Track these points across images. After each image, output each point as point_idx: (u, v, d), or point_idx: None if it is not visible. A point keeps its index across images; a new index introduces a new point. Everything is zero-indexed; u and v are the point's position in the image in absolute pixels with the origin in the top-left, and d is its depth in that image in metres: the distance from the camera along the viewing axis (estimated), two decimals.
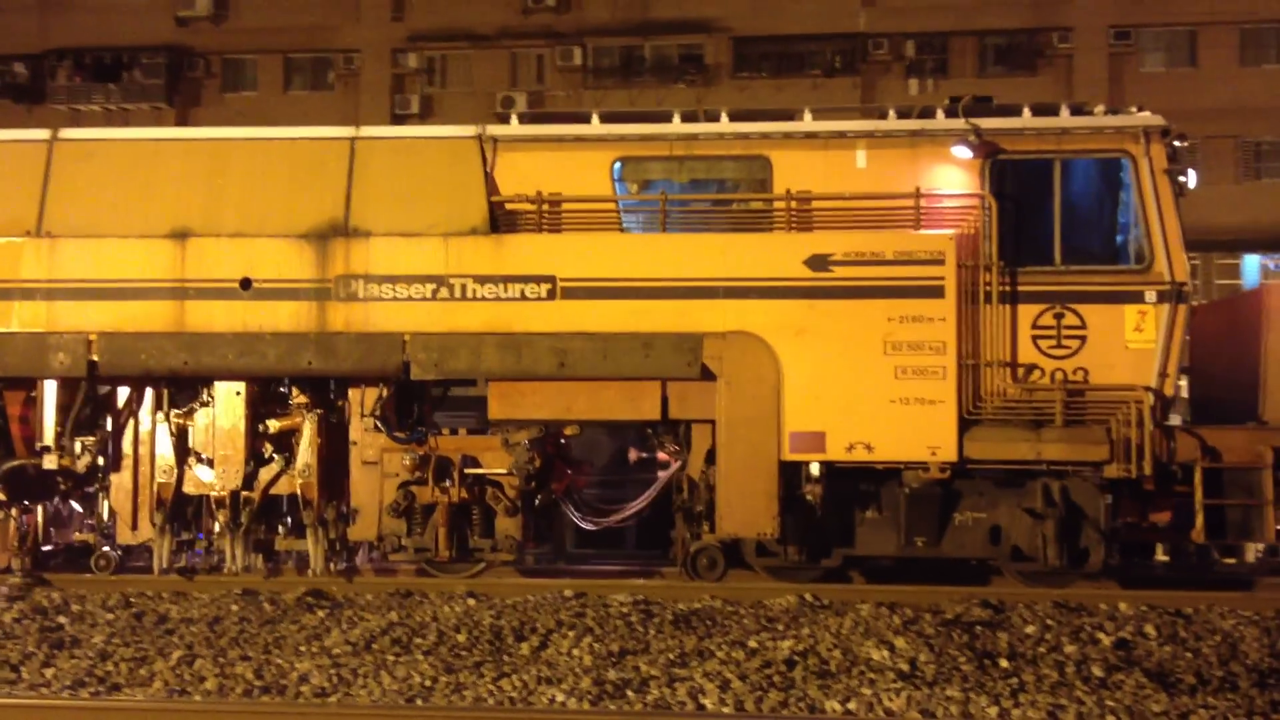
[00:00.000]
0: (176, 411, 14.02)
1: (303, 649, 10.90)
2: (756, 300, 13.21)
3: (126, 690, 9.75)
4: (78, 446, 13.87)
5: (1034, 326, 13.31)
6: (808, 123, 13.82)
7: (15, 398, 14.10)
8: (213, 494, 13.92)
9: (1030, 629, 11.30)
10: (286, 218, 13.73)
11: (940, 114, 13.84)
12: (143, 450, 14.08)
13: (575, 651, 10.63)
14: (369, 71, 40.34)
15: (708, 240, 13.46)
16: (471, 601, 12.55)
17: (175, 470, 13.92)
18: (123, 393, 14.17)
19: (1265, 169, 37.87)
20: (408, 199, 13.73)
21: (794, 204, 13.52)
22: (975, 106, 13.89)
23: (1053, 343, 13.29)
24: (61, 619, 12.06)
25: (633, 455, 14.86)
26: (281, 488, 14.04)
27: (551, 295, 13.39)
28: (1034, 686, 9.64)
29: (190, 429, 14.05)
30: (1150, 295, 13.21)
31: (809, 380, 13.14)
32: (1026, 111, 13.77)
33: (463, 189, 13.74)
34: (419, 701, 9.37)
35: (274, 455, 14.00)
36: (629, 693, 9.49)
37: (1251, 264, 37.54)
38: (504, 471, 13.75)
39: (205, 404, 14.00)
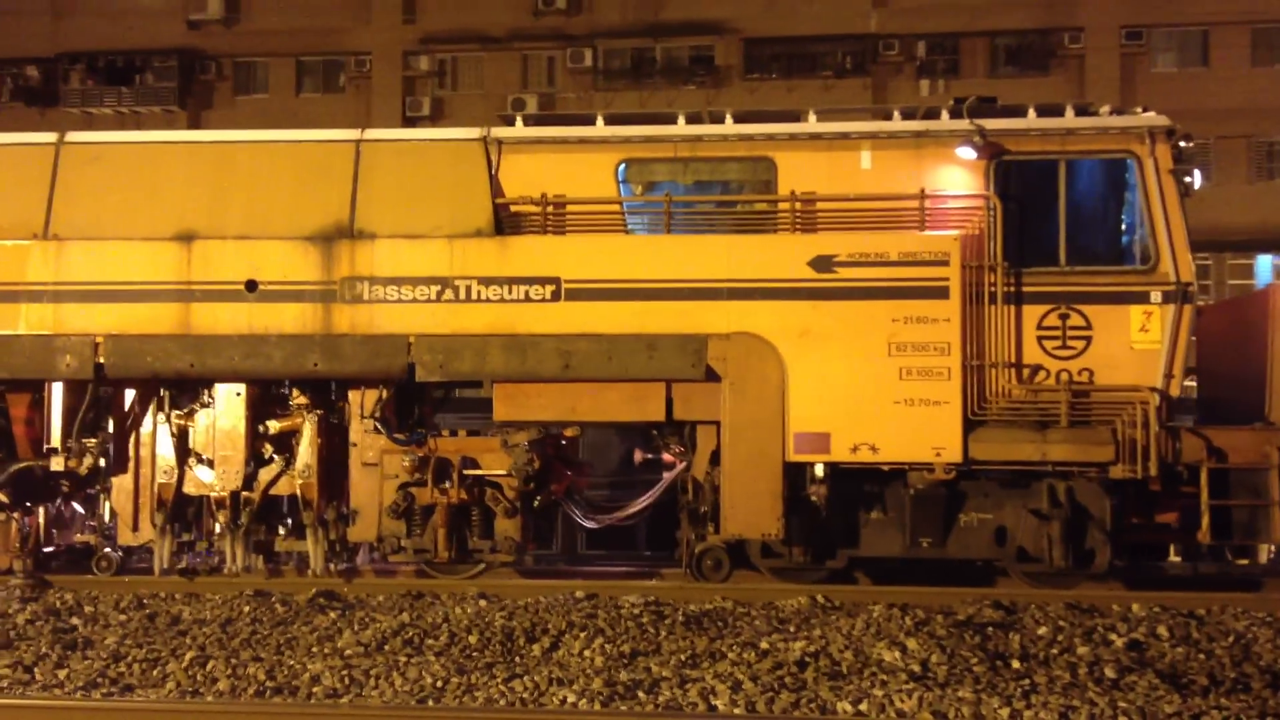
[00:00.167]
0: (177, 412, 14.08)
1: (315, 650, 10.92)
2: (761, 301, 13.21)
3: (139, 691, 9.78)
4: (85, 448, 13.93)
5: (1039, 327, 13.29)
6: (812, 124, 13.82)
7: (21, 399, 14.15)
8: (213, 495, 13.97)
9: (1042, 630, 11.27)
10: (291, 220, 13.77)
11: (945, 115, 13.81)
12: (144, 451, 14.14)
13: (587, 653, 10.63)
14: (380, 74, 40.38)
15: (712, 242, 13.46)
16: (483, 603, 12.57)
17: (176, 471, 13.98)
18: (123, 394, 14.21)
19: (1278, 169, 37.71)
20: (412, 201, 13.76)
21: (798, 205, 13.51)
22: (980, 107, 13.87)
23: (1058, 343, 13.26)
24: (75, 620, 12.11)
25: (638, 456, 14.88)
26: (281, 488, 14.09)
27: (556, 297, 13.41)
28: (1046, 688, 9.60)
29: (191, 430, 14.10)
30: (1156, 296, 13.18)
31: (814, 381, 13.13)
32: (1031, 112, 13.75)
33: (467, 191, 13.76)
34: (431, 702, 9.37)
35: (274, 456, 14.05)
36: (640, 694, 9.48)
37: (1265, 264, 37.37)
38: (503, 473, 13.77)
39: (205, 405, 14.06)
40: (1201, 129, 33.32)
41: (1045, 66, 38.32)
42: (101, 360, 13.61)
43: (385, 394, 13.82)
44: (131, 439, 14.17)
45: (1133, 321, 13.19)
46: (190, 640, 11.21)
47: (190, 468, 14.06)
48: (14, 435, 14.17)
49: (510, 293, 13.45)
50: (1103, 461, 13.02)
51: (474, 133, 14.09)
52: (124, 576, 14.14)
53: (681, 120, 14.05)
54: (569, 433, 13.91)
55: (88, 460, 13.92)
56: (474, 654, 10.72)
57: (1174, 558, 15.83)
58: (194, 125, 39.19)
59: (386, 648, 10.91)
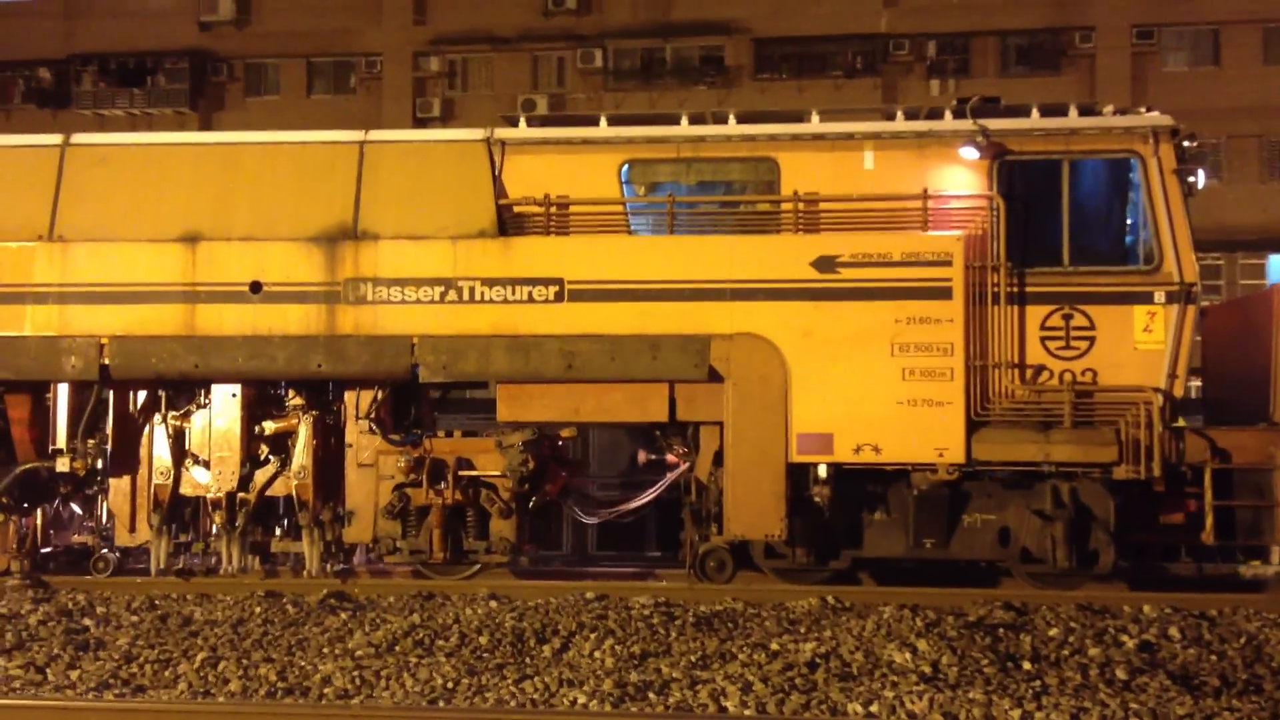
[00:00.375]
0: (174, 414, 14.13)
1: (326, 651, 10.92)
2: (764, 302, 13.21)
3: (151, 692, 9.81)
4: (88, 449, 13.98)
5: (1042, 327, 13.26)
6: (815, 124, 13.81)
7: (21, 401, 14.18)
8: (209, 495, 14.02)
9: (1053, 631, 11.26)
10: (296, 221, 13.80)
11: (948, 115, 13.78)
12: (141, 452, 14.19)
13: (597, 654, 10.62)
14: (391, 75, 40.46)
15: (715, 242, 13.46)
16: (494, 604, 12.57)
17: (172, 472, 14.03)
18: (122, 394, 14.24)
19: None
20: (416, 202, 13.78)
21: (801, 206, 13.51)
22: (983, 107, 13.84)
23: (1061, 344, 13.23)
24: (87, 621, 12.15)
25: (642, 457, 14.89)
26: (277, 489, 14.14)
27: (559, 297, 13.42)
28: (1057, 689, 9.57)
29: (187, 431, 14.15)
30: (1159, 296, 13.15)
31: (816, 382, 13.12)
32: (1035, 112, 13.72)
33: (471, 192, 13.78)
34: (441, 703, 9.39)
35: (270, 457, 14.09)
36: (650, 695, 9.49)
37: (1276, 264, 37.23)
38: (498, 473, 13.78)
39: (202, 406, 14.11)
40: (1212, 128, 33.45)
41: (1056, 66, 38.27)
42: (107, 361, 13.67)
43: (381, 394, 13.86)
44: (129, 440, 14.20)
45: (1136, 322, 13.15)
46: (202, 641, 11.24)
47: (187, 469, 14.11)
48: (14, 437, 14.21)
49: (514, 294, 13.47)
50: (1106, 462, 12.99)
51: (477, 134, 14.10)
52: (121, 578, 14.19)
53: (684, 121, 14.05)
54: (565, 433, 13.92)
55: (92, 461, 13.97)
56: (485, 655, 10.72)
57: (1185, 558, 15.74)
58: (205, 127, 39.30)
59: (397, 648, 10.91)
